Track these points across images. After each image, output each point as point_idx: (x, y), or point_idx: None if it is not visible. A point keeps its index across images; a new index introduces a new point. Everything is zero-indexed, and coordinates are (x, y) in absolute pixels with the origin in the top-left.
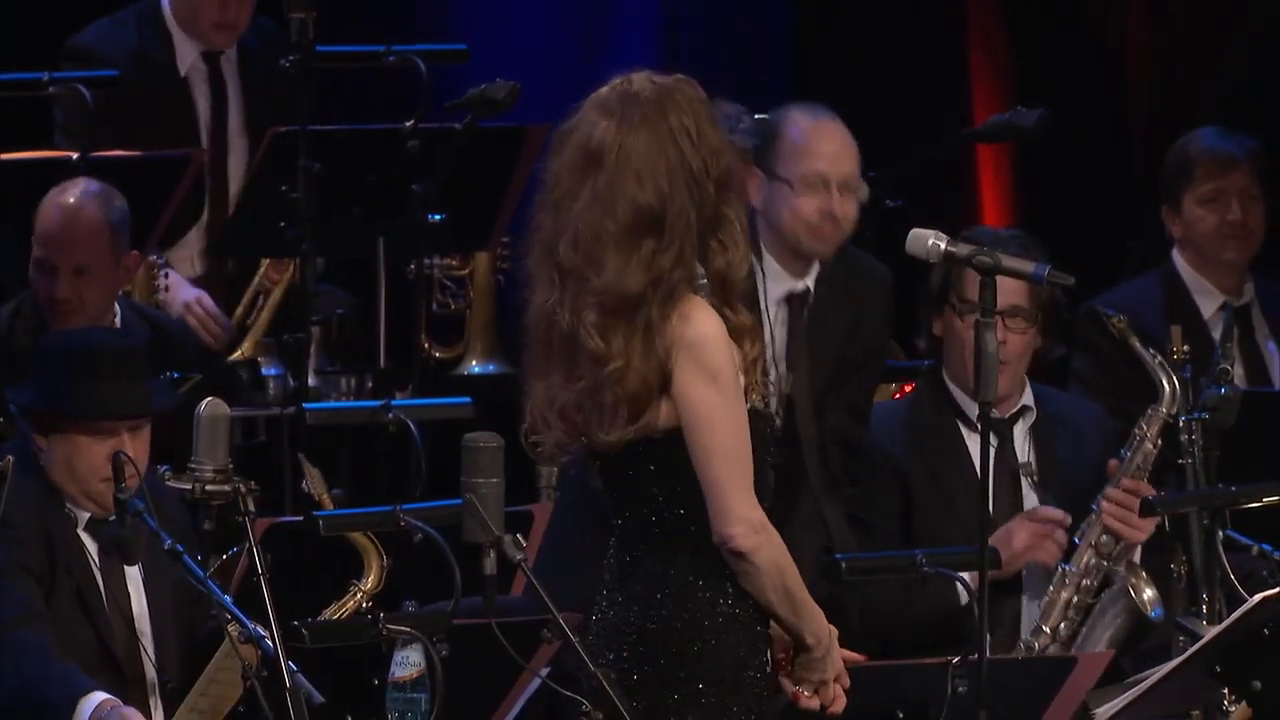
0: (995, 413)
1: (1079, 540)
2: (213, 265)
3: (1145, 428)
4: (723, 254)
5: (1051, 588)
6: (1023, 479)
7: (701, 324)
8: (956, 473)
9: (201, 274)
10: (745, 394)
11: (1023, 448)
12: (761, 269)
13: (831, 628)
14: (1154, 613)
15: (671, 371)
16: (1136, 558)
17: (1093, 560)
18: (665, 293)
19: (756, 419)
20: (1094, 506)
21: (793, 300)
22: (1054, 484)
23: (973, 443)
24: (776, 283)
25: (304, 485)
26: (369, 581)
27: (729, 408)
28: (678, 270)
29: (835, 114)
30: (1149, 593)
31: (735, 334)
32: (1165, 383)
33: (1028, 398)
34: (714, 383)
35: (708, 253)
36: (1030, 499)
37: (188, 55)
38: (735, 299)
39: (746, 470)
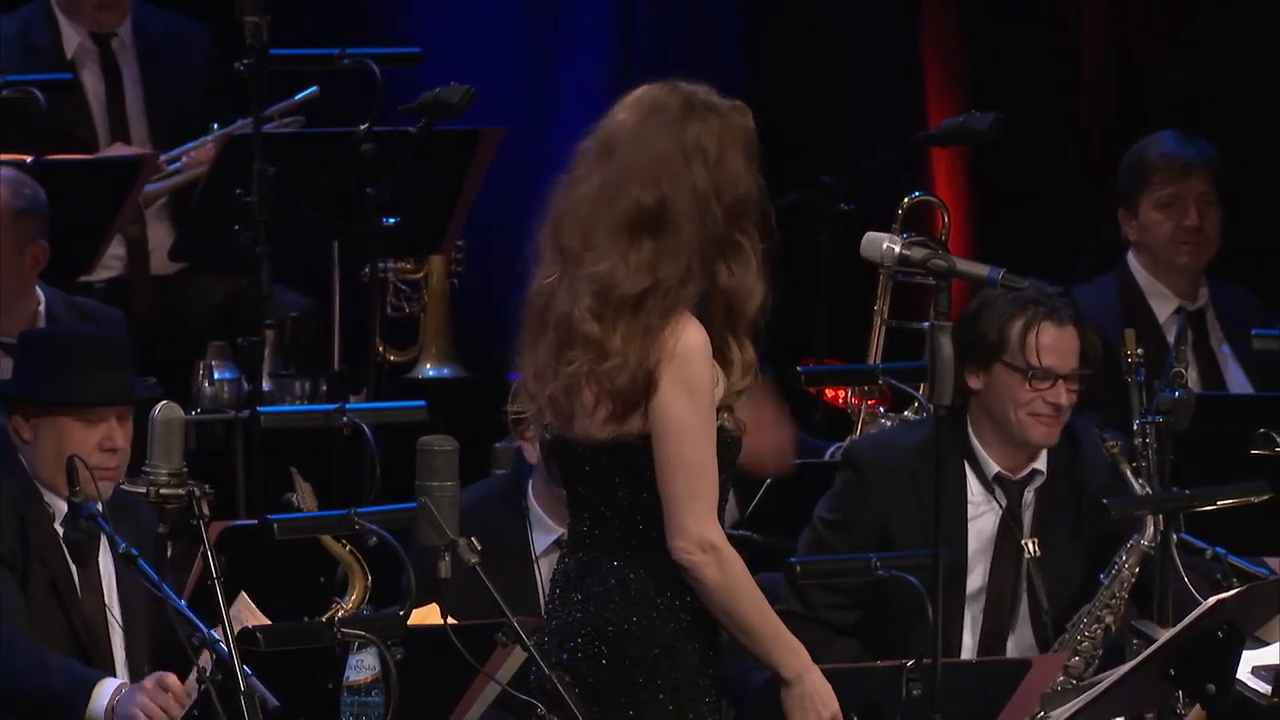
0: (1008, 474)
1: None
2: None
3: (1125, 557)
4: (729, 277)
5: None
6: (1025, 558)
7: (689, 338)
8: (951, 526)
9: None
10: (719, 413)
11: (1027, 514)
12: None
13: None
14: None
15: (657, 381)
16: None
17: (1060, 678)
18: (667, 303)
19: (730, 443)
20: (1065, 627)
21: None
22: (1052, 563)
23: (975, 497)
24: None
25: (294, 499)
26: (352, 600)
27: (700, 423)
28: (682, 285)
29: None
30: None
31: (726, 363)
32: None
33: (1040, 461)
34: (690, 396)
35: (716, 274)
36: (1031, 579)
37: (74, 37)
38: (741, 330)
39: (707, 487)
